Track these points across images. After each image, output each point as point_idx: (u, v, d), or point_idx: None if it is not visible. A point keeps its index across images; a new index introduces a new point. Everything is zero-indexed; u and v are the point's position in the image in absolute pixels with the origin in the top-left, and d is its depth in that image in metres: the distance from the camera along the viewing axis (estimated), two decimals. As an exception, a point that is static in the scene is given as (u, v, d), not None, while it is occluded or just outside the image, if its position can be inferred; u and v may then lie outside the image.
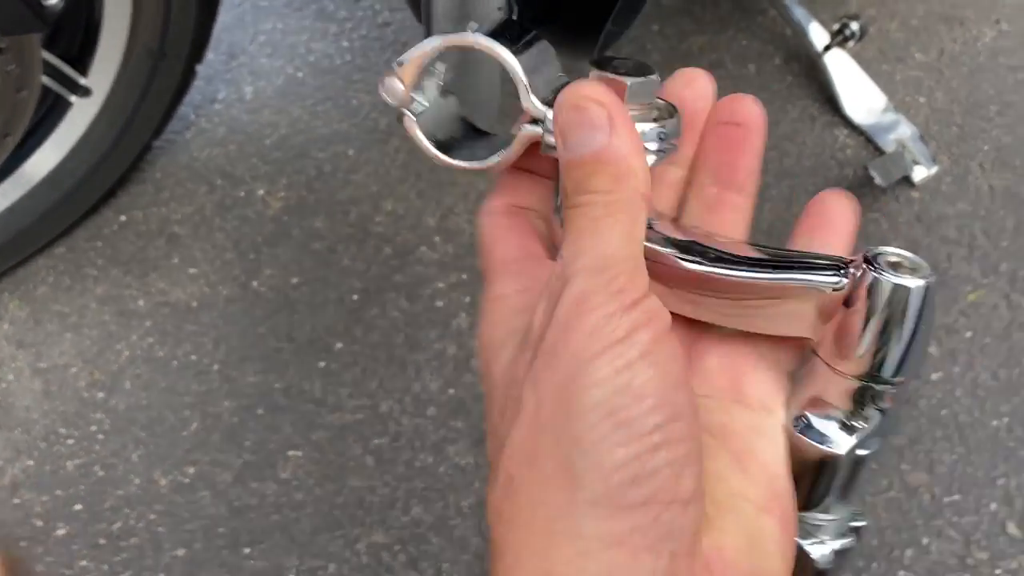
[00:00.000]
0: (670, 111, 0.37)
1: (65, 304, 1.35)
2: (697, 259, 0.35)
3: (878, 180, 1.18)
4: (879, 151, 1.26)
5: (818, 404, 0.35)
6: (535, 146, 0.37)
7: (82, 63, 1.27)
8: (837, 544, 0.37)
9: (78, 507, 1.18)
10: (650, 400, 0.31)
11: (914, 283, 0.32)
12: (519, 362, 0.33)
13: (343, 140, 1.46)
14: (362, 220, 1.37)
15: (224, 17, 1.65)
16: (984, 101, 1.31)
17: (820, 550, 0.36)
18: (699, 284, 0.36)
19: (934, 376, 1.13)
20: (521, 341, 0.34)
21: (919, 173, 1.20)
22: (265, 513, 1.16)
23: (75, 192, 1.38)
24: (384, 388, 1.22)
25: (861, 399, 0.34)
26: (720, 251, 0.36)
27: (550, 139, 0.36)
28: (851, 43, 1.26)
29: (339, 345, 1.27)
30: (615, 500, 0.30)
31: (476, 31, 0.37)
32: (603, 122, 0.33)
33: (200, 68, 1.47)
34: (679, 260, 0.35)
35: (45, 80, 1.23)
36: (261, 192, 1.43)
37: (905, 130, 1.24)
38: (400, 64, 0.37)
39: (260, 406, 1.24)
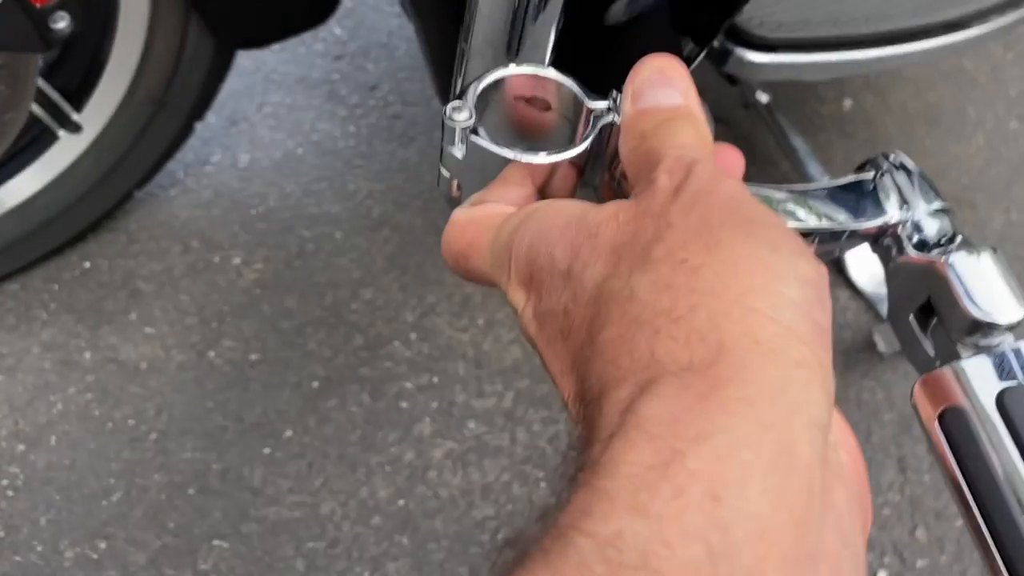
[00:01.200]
0: (705, 108, 0.42)
1: (5, 344, 1.26)
2: None
3: (881, 347, 1.14)
4: (880, 318, 1.22)
5: None
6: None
7: (78, 98, 1.22)
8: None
9: (-33, 568, 1.06)
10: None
11: None
12: (645, 203, 0.34)
13: (332, 222, 1.41)
14: (337, 305, 1.30)
15: (233, 83, 1.62)
16: (989, 286, 1.29)
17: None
18: None
19: (919, 563, 1.05)
20: (630, 204, 0.35)
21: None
22: (174, 606, 1.05)
23: (43, 229, 1.30)
24: (329, 487, 1.13)
25: None
26: None
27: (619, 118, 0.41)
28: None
29: (289, 433, 1.18)
30: (808, 309, 0.30)
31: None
32: (680, 85, 0.38)
33: (199, 127, 1.43)
34: None
35: (36, 109, 1.18)
36: (237, 261, 1.36)
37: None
38: (464, 95, 0.42)
39: (192, 485, 1.14)
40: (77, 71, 1.22)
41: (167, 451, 1.17)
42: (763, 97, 1.28)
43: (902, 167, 0.45)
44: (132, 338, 1.28)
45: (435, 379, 1.22)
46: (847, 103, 1.50)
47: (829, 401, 0.30)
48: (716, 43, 0.95)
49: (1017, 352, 0.37)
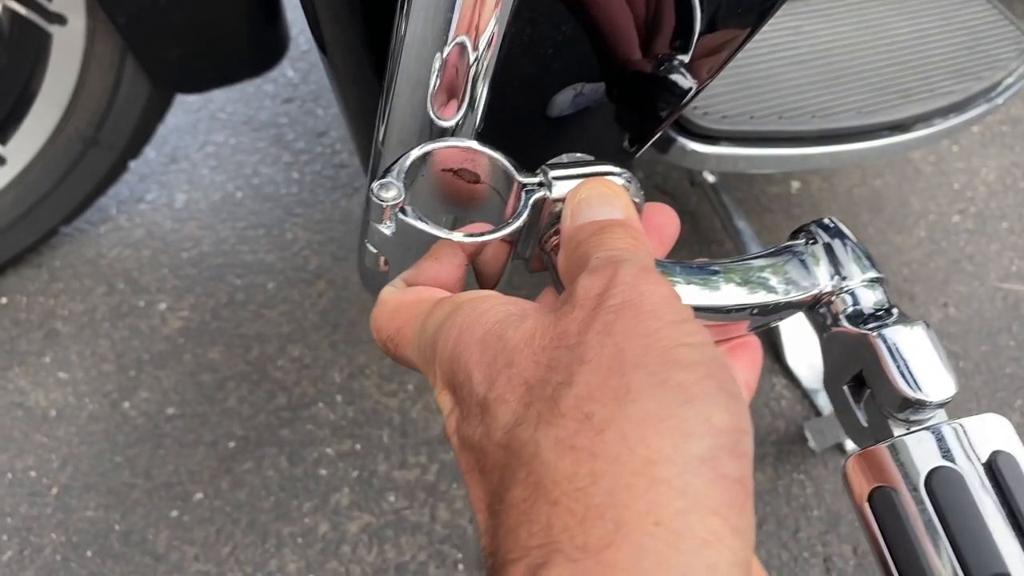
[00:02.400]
0: (634, 181, 0.43)
1: (-96, 382, 1.19)
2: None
3: (812, 443, 1.12)
4: (815, 410, 1.20)
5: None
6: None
7: (3, 131, 1.18)
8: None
9: None
10: (736, 381, 0.31)
11: None
12: (563, 323, 0.33)
13: (265, 271, 1.36)
14: (263, 360, 1.26)
15: (178, 118, 1.58)
16: (924, 381, 1.28)
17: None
18: None
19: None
20: (546, 311, 0.34)
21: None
22: None
23: (-42, 261, 1.25)
24: (236, 557, 1.07)
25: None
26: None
27: (555, 195, 0.41)
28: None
29: (199, 495, 1.12)
30: (719, 466, 0.29)
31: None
32: (619, 204, 0.40)
33: (136, 164, 1.38)
34: None
35: (-45, 140, 1.13)
36: (162, 307, 1.31)
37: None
38: (391, 172, 0.40)
39: (91, 547, 1.08)
40: (4, 103, 1.17)
41: (68, 507, 1.11)
42: (710, 177, 1.27)
43: (836, 234, 0.44)
44: (43, 382, 1.22)
45: (358, 446, 1.18)
46: (794, 185, 1.49)
47: (744, 570, 0.28)
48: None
49: (947, 432, 0.37)
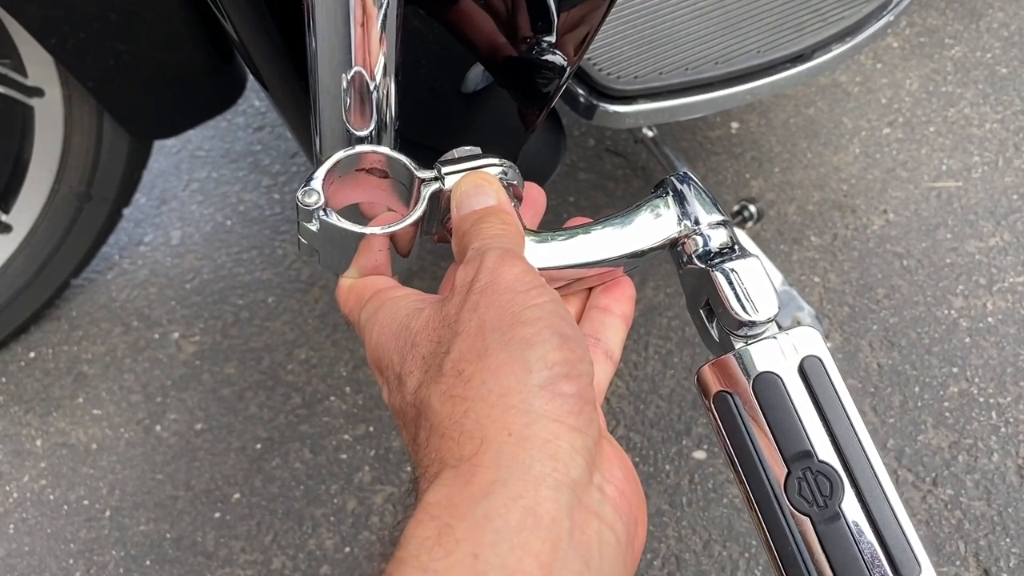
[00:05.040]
0: (513, 168, 0.53)
1: (-42, 441, 1.32)
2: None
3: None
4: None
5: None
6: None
7: (5, 200, 1.29)
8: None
9: (-61, 661, 1.11)
10: (574, 324, 0.43)
11: None
12: (446, 308, 0.44)
13: (264, 288, 1.48)
14: (274, 367, 1.38)
15: (160, 163, 1.70)
16: (873, 284, 1.39)
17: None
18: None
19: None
20: (438, 301, 0.46)
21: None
22: (140, 673, 1.10)
23: (-16, 326, 1.36)
24: (278, 543, 1.19)
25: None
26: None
27: (447, 187, 0.51)
28: (750, 224, 1.34)
29: (236, 495, 1.24)
30: (555, 387, 0.40)
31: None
32: (492, 192, 0.50)
33: (130, 211, 1.50)
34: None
35: (-36, 215, 1.24)
36: (176, 335, 1.43)
37: (801, 307, 1.30)
38: (312, 179, 0.50)
39: (149, 556, 1.20)
40: (1, 175, 1.28)
41: (122, 526, 1.23)
42: (648, 132, 1.38)
43: (688, 184, 0.53)
44: (81, 421, 1.34)
45: (371, 428, 1.30)
46: (734, 126, 1.60)
47: (584, 455, 0.40)
48: (581, 99, 1.04)
49: (771, 344, 0.46)
